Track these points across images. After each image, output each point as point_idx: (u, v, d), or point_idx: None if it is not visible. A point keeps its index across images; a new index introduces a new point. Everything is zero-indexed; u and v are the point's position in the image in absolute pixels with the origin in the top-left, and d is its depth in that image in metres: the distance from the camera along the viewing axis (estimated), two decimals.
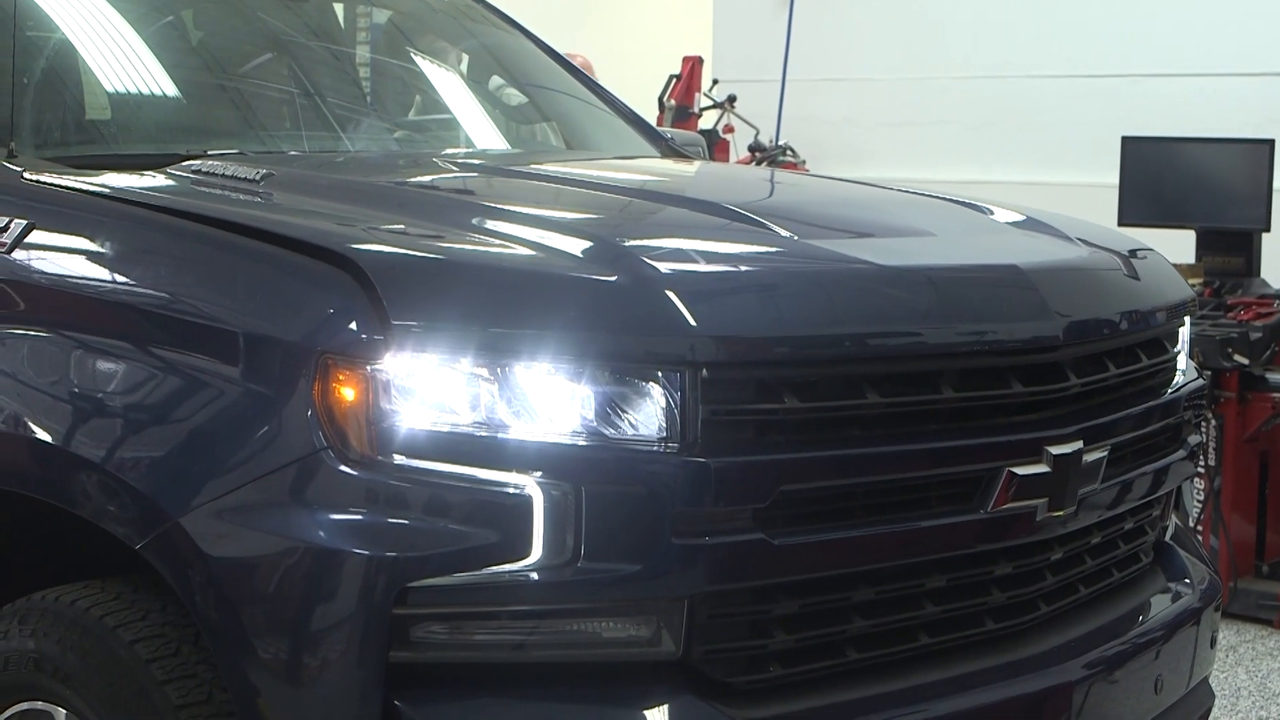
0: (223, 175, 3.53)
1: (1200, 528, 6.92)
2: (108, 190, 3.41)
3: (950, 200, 4.03)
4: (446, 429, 2.71)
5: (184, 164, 3.67)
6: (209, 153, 3.87)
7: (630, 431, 2.75)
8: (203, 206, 3.26)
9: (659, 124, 10.53)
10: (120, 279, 3.18)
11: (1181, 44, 10.01)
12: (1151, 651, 3.49)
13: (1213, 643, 3.83)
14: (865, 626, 3.01)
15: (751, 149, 11.63)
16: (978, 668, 3.14)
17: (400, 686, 2.72)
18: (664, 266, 2.92)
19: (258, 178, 3.48)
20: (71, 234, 3.31)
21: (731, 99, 12.12)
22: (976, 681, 3.11)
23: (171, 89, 4.33)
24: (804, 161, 11.49)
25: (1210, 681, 3.92)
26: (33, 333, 3.20)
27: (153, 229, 3.20)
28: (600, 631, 2.79)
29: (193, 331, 2.97)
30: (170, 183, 3.56)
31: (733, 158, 11.79)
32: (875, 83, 11.87)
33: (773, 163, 11.18)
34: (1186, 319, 3.85)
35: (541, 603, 2.75)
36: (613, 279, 2.86)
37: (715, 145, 11.40)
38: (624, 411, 2.75)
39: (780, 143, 11.73)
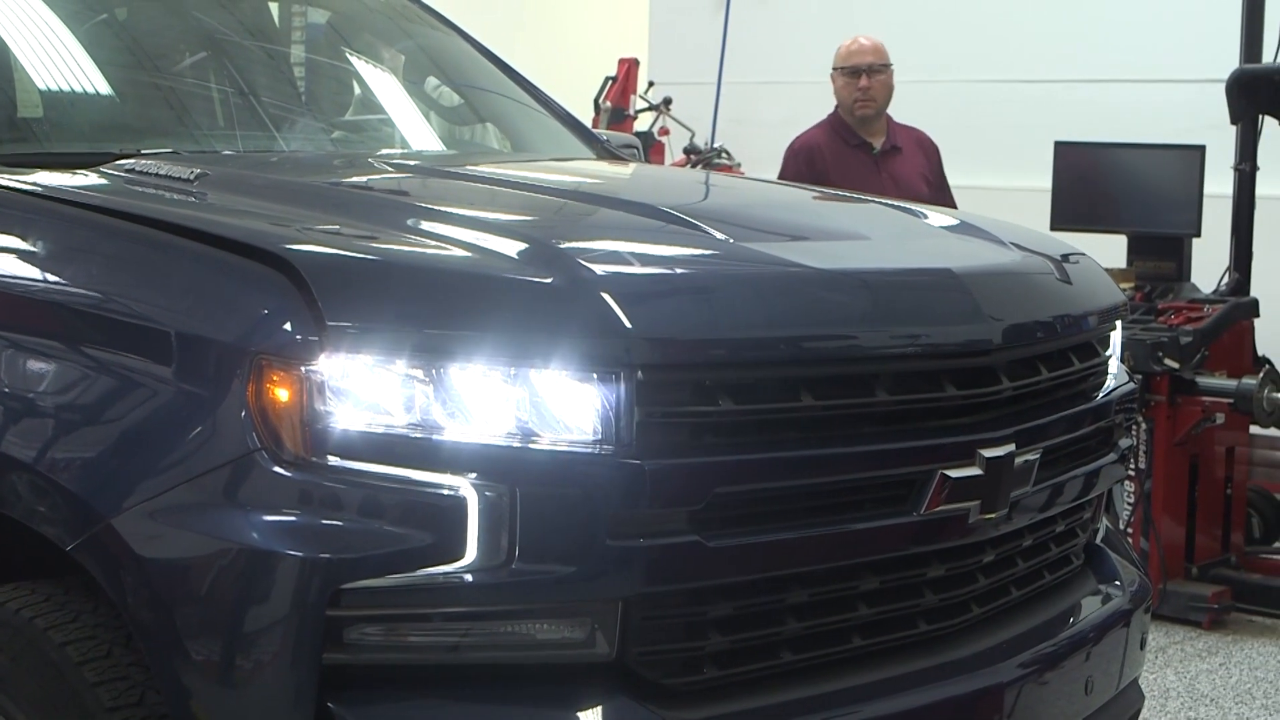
0: (156, 174, 3.52)
1: (1131, 530, 6.97)
2: (40, 189, 3.39)
3: (885, 204, 4.07)
4: (381, 430, 2.71)
5: (117, 163, 3.65)
6: (142, 151, 3.85)
7: (565, 433, 2.75)
8: (136, 206, 3.24)
9: (594, 126, 10.52)
10: (53, 278, 3.16)
11: (1115, 50, 10.07)
12: (1082, 653, 3.52)
13: (1142, 644, 3.86)
14: (799, 628, 3.02)
15: (687, 151, 11.64)
16: (910, 669, 3.16)
17: (334, 688, 2.71)
18: (599, 268, 2.92)
19: (191, 177, 3.47)
20: (3, 233, 3.28)
21: (667, 101, 12.12)
22: (909, 683, 3.13)
23: (105, 87, 4.31)
24: (739, 164, 11.49)
25: (1140, 683, 3.95)
26: None
27: (86, 228, 3.19)
28: (535, 633, 2.79)
29: (126, 331, 2.95)
30: (103, 182, 3.54)
31: (668, 160, 11.79)
32: (811, 86, 11.81)
33: (708, 166, 11.19)
34: (1118, 323, 3.88)
35: (476, 604, 2.75)
36: (548, 281, 2.86)
37: (651, 148, 11.40)
38: (559, 413, 2.75)
39: (716, 145, 11.74)
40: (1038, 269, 3.71)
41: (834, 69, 7.55)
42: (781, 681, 3.01)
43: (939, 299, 3.24)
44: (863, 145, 7.34)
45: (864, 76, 7.34)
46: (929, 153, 7.57)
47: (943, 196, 7.10)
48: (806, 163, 7.26)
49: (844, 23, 11.62)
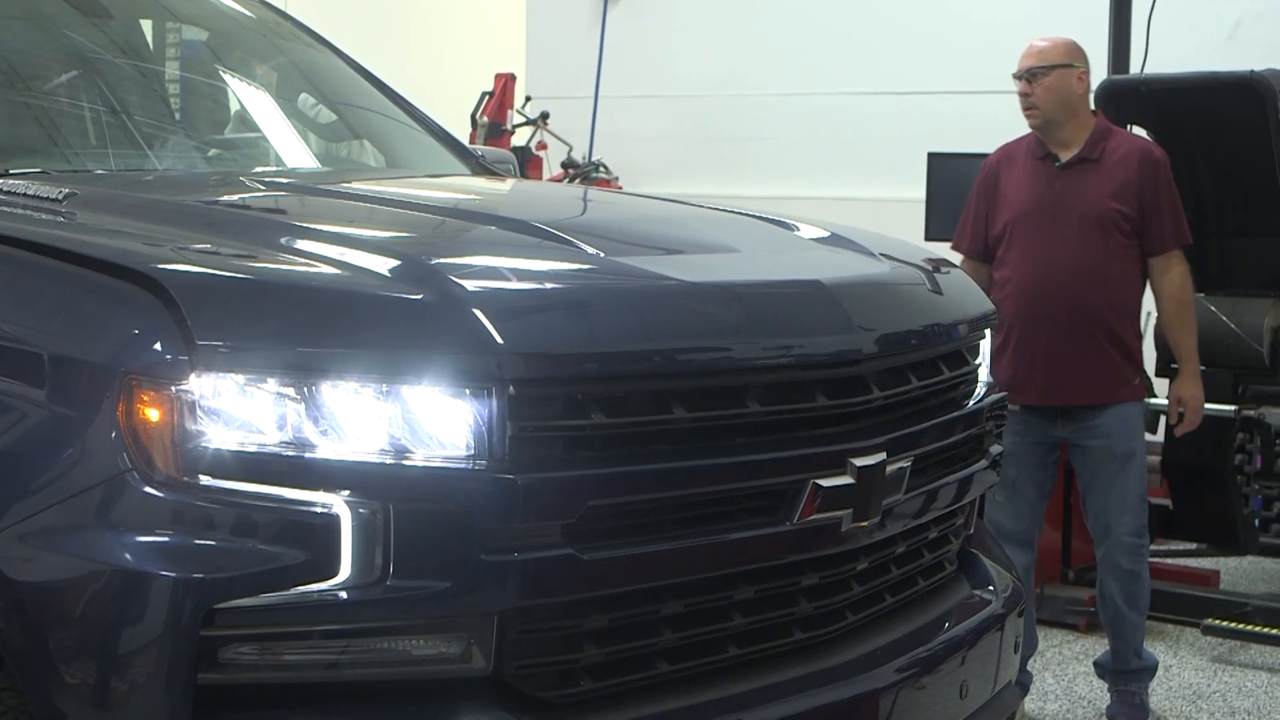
0: (24, 194, 3.49)
1: None
2: None
3: (756, 217, 4.09)
4: (253, 449, 2.70)
5: None
6: (10, 171, 3.82)
7: (438, 449, 2.76)
8: (3, 226, 3.21)
9: (472, 141, 10.52)
10: None
11: (986, 61, 10.14)
12: (957, 657, 3.56)
13: (1016, 648, 3.91)
14: (675, 639, 3.04)
15: (564, 166, 11.66)
16: (786, 677, 3.19)
17: (209, 708, 2.70)
18: (471, 285, 2.93)
19: (60, 196, 3.44)
20: None
21: (544, 116, 12.14)
22: (785, 691, 3.16)
23: None
24: (617, 178, 11.54)
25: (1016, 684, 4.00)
26: None
27: None
28: (411, 649, 2.80)
29: None
30: None
31: (546, 175, 11.81)
32: (688, 99, 11.94)
33: (585, 179, 11.22)
34: (988, 331, 3.93)
35: (351, 621, 2.75)
36: (419, 297, 2.87)
37: (529, 162, 11.42)
38: (432, 429, 2.76)
39: (593, 159, 11.79)
40: (907, 279, 3.75)
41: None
42: (658, 692, 3.03)
43: (809, 310, 3.27)
44: (1048, 157, 6.38)
45: (1023, 82, 6.39)
46: (1143, 167, 6.34)
47: (1152, 213, 6.30)
48: (986, 172, 6.49)
49: (719, 37, 11.71)
